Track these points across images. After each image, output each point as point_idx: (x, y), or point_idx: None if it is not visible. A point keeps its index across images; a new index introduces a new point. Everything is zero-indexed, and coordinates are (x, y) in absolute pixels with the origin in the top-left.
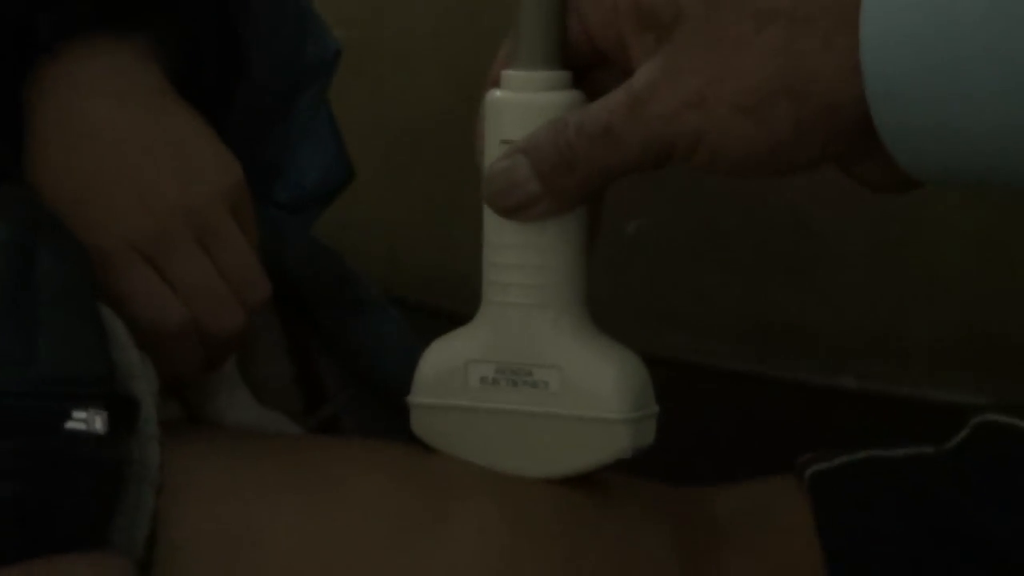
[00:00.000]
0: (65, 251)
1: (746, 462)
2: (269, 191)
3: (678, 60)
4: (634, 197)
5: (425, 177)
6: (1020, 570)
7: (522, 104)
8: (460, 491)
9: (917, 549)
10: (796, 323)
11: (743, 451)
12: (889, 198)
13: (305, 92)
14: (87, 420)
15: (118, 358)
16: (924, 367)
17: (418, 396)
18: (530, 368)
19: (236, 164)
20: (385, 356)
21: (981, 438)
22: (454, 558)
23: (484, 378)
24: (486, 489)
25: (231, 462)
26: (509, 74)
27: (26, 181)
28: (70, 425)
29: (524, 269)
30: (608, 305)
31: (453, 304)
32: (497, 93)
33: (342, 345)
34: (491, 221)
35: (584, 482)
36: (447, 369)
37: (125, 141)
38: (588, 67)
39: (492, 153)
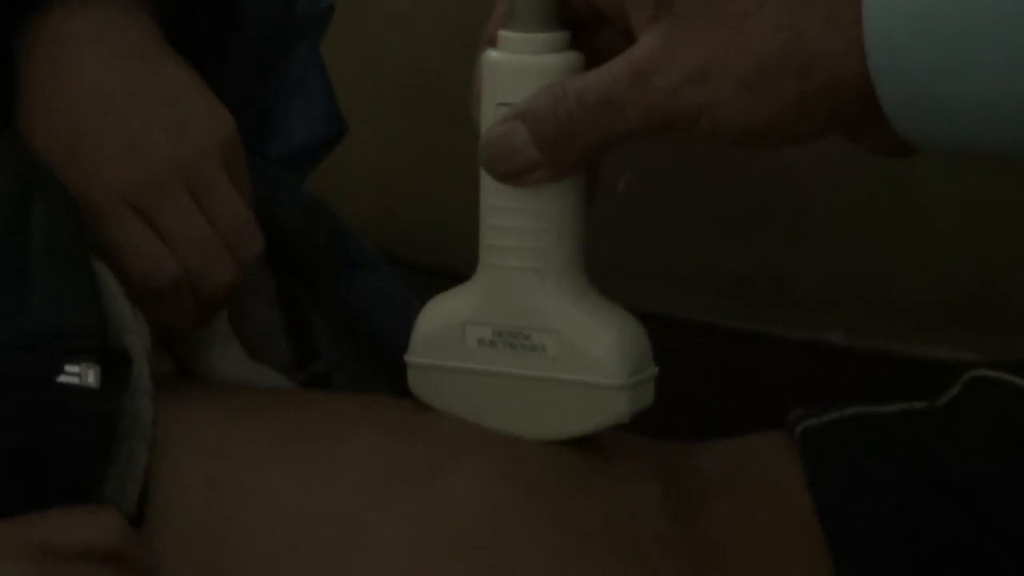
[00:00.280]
0: (57, 204)
1: (734, 418)
2: (261, 146)
3: (680, 32)
4: (622, 152)
5: (417, 133)
6: (1012, 523)
7: (519, 67)
8: (452, 446)
9: (909, 503)
10: (785, 279)
11: (731, 407)
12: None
13: (297, 46)
14: (80, 374)
15: (110, 311)
16: (913, 323)
17: (415, 355)
18: (528, 331)
19: (228, 117)
20: (376, 312)
21: (973, 393)
22: (446, 512)
23: (482, 340)
24: (478, 445)
25: (223, 416)
26: (506, 35)
27: (18, 135)
28: (62, 379)
29: (522, 232)
30: (595, 260)
31: (444, 260)
32: (493, 54)
33: (334, 300)
34: (488, 184)
35: (576, 438)
36: (444, 330)
37: (117, 94)
38: (586, 25)
39: (489, 115)
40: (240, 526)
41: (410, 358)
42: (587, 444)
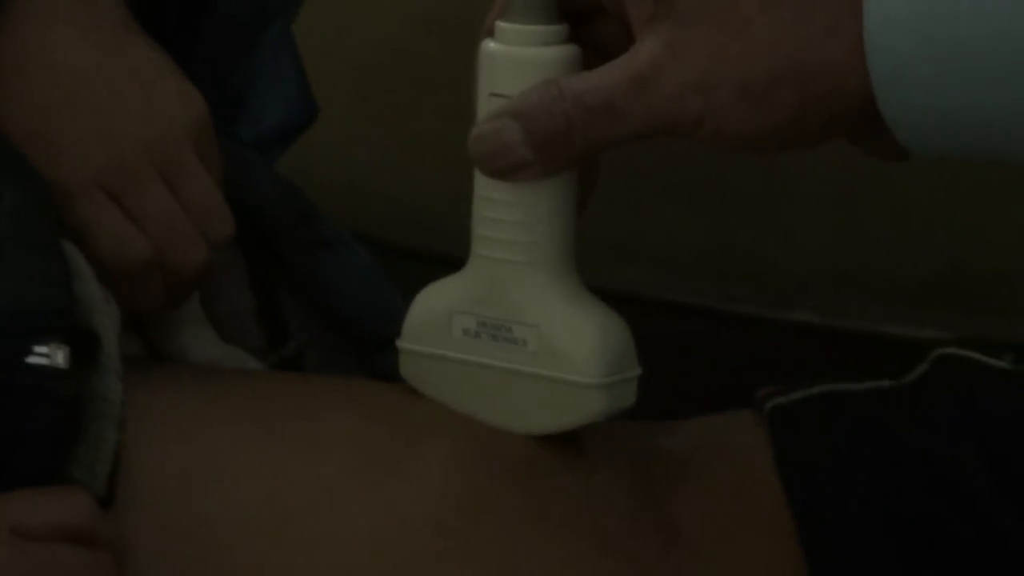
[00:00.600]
0: (27, 186)
1: (705, 397)
2: (232, 128)
3: (682, 39)
4: None
5: (388, 114)
6: (976, 499)
7: (513, 58)
8: (425, 430)
9: (875, 481)
10: (758, 258)
11: (703, 386)
12: None
13: (268, 28)
14: (49, 355)
15: (80, 293)
16: (884, 303)
17: (405, 341)
18: (511, 324)
19: (200, 98)
20: (349, 293)
21: (940, 371)
22: (419, 496)
23: (467, 330)
24: (452, 429)
25: (194, 398)
26: (502, 26)
27: None
28: (31, 359)
29: (512, 225)
30: None
31: (416, 240)
32: (491, 44)
33: (306, 282)
34: (481, 175)
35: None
36: (433, 317)
37: (87, 74)
38: (584, 16)
39: (482, 106)
40: (210, 507)
41: (400, 344)
42: None
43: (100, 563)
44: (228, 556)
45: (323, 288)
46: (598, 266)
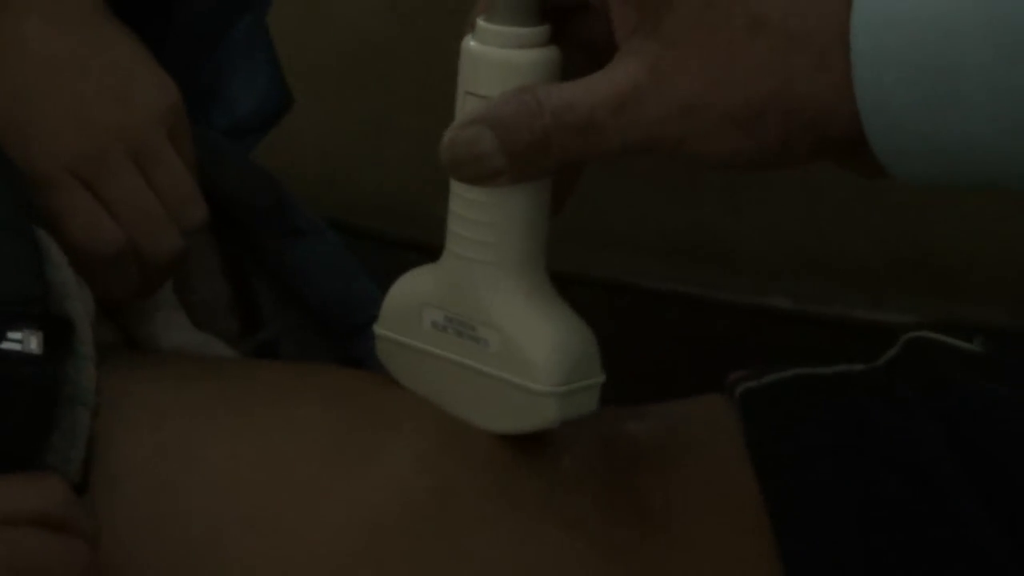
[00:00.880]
0: (0, 172)
1: (679, 383)
2: (206, 117)
3: (668, 61)
4: None
5: (361, 101)
6: (943, 483)
7: (491, 60)
8: (397, 418)
9: (844, 463)
10: (730, 243)
11: (675, 370)
12: None
13: (242, 17)
14: (22, 340)
15: (53, 279)
16: (857, 288)
17: (381, 327)
18: (475, 323)
19: (173, 86)
20: (322, 280)
21: (910, 354)
22: (390, 482)
23: (435, 323)
24: (423, 416)
25: (168, 385)
26: (483, 25)
27: None
28: (5, 345)
29: (484, 226)
30: None
31: (389, 227)
32: (470, 42)
33: (279, 269)
34: None
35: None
36: (405, 306)
37: (60, 62)
38: (567, 11)
39: (459, 103)
40: (184, 494)
41: (376, 328)
42: None
43: (75, 549)
44: (202, 541)
45: (296, 275)
46: (572, 252)
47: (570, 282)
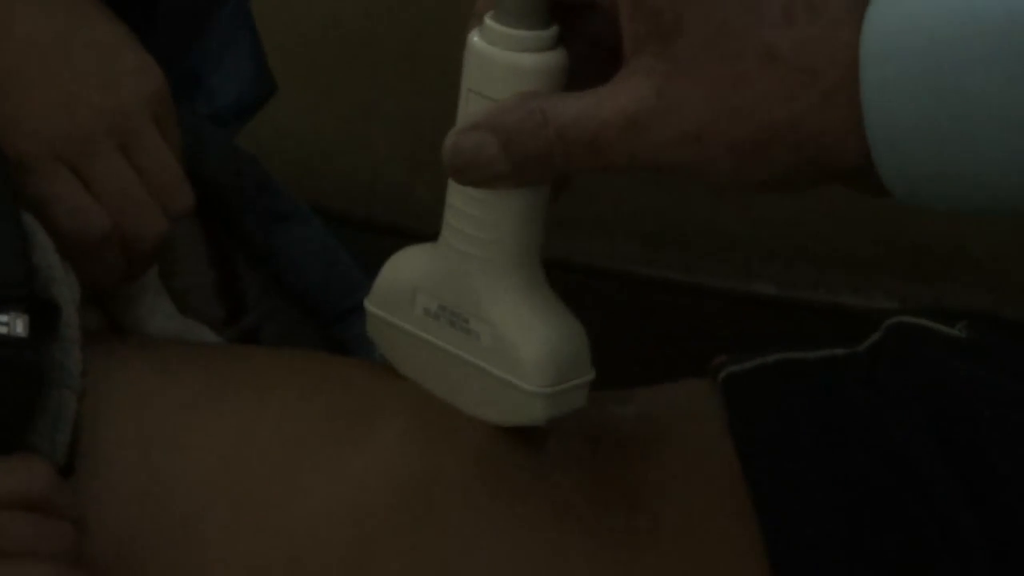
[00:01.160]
0: None
1: (664, 368)
2: (190, 101)
3: (678, 88)
4: None
5: (342, 86)
6: (923, 463)
7: (497, 62)
8: (384, 402)
9: (826, 447)
10: (716, 229)
11: (661, 355)
12: None
13: (226, 5)
14: (8, 323)
15: (39, 262)
16: (842, 274)
17: (372, 303)
18: (468, 316)
19: (159, 71)
20: (306, 264)
21: (893, 339)
22: (377, 465)
23: (427, 309)
24: (409, 401)
25: (153, 368)
26: (490, 24)
27: None
28: None
29: (480, 222)
30: None
31: (371, 212)
32: (476, 40)
33: (263, 254)
34: None
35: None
36: (398, 288)
37: (47, 46)
38: (575, 8)
39: (463, 100)
40: (169, 477)
41: (367, 305)
42: None
43: (60, 532)
44: (187, 524)
45: (281, 260)
46: (558, 237)
47: (554, 268)
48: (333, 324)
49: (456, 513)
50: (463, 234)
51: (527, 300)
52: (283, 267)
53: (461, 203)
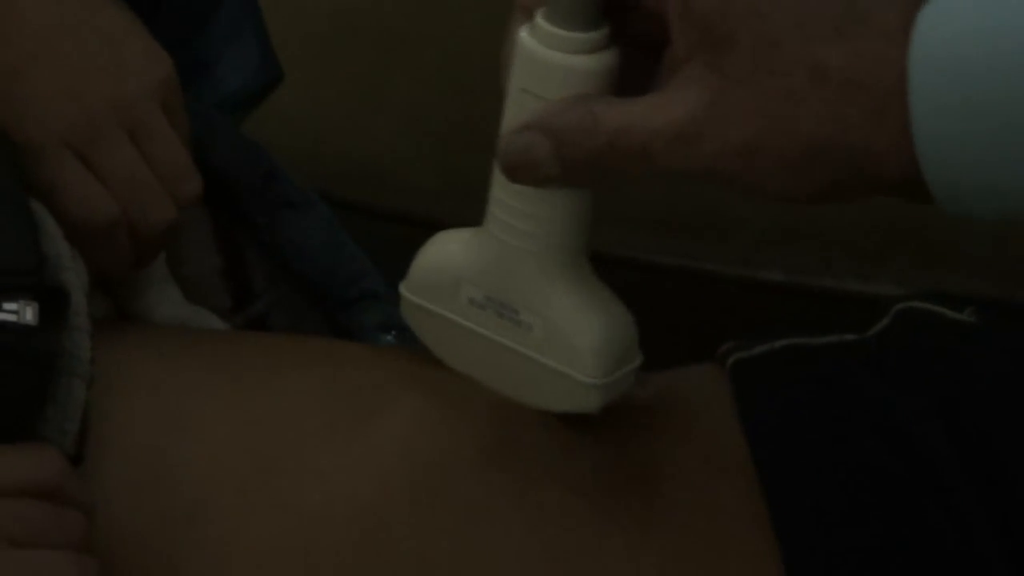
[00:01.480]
0: None
1: (671, 356)
2: (197, 92)
3: (728, 102)
4: None
5: (351, 72)
6: (931, 449)
7: (550, 63)
8: (394, 384)
9: (834, 433)
10: (720, 215)
11: (668, 342)
12: None
13: None
14: (18, 311)
15: (48, 250)
16: (848, 260)
17: (408, 290)
18: (518, 307)
19: (167, 58)
20: (314, 253)
21: (901, 325)
22: (392, 441)
23: (473, 300)
24: (420, 383)
25: (160, 355)
26: (542, 25)
27: None
28: (0, 316)
29: (529, 216)
30: None
31: (379, 199)
32: (527, 39)
33: (271, 242)
34: None
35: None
36: (440, 276)
37: (55, 33)
38: (624, 9)
39: (513, 98)
40: (178, 463)
41: (404, 291)
42: None
43: (71, 520)
44: (197, 510)
45: (288, 248)
46: None
47: None
48: (340, 311)
49: (469, 495)
50: (511, 227)
51: (579, 291)
52: (290, 255)
53: (509, 197)
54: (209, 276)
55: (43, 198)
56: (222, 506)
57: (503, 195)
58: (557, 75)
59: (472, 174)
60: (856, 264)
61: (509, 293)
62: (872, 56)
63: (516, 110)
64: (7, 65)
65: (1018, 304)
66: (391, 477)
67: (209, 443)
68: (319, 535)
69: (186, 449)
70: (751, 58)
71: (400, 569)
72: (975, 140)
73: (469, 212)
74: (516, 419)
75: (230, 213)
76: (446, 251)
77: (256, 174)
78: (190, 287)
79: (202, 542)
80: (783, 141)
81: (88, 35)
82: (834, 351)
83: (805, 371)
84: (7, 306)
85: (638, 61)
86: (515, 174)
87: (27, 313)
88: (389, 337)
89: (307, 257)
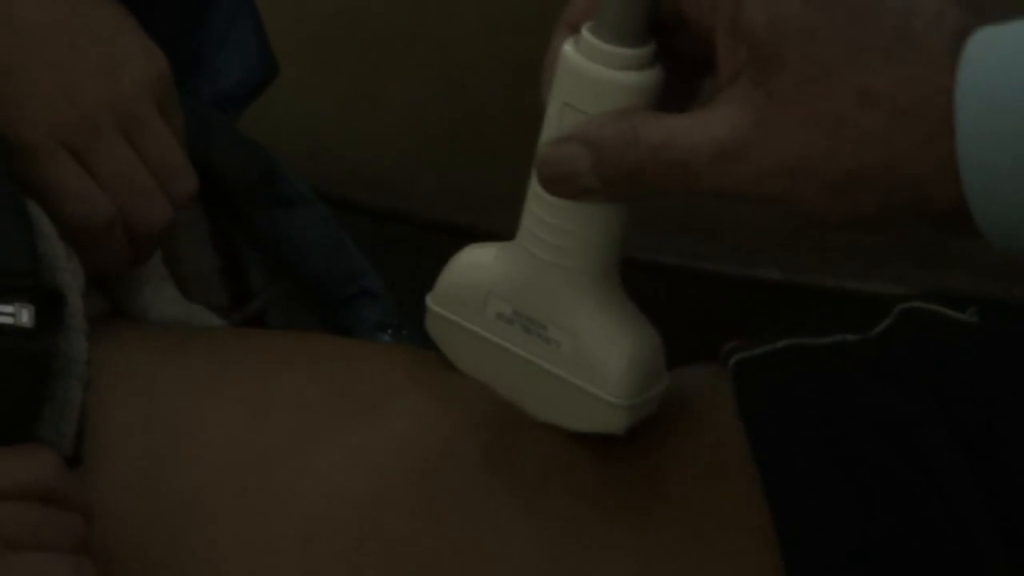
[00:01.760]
0: None
1: (670, 355)
2: (193, 88)
3: (773, 122)
4: None
5: (349, 71)
6: (934, 450)
7: (595, 78)
8: (393, 381)
9: (837, 433)
10: (721, 214)
11: (668, 341)
12: None
13: None
14: (14, 314)
15: (44, 251)
16: (848, 259)
17: (435, 303)
18: (546, 324)
19: (161, 56)
20: (311, 251)
21: (904, 325)
22: (391, 440)
23: (501, 314)
24: (420, 381)
25: (157, 354)
26: (588, 39)
27: None
28: None
29: (562, 232)
30: None
31: (375, 198)
32: (570, 53)
33: (268, 240)
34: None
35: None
36: (468, 289)
37: (49, 33)
38: (667, 27)
39: (554, 111)
40: (176, 463)
41: (431, 303)
42: None
43: (69, 522)
44: (195, 508)
45: (285, 246)
46: None
47: None
48: (337, 309)
49: (469, 493)
50: (544, 242)
51: (609, 311)
52: (288, 253)
53: (543, 211)
54: (206, 274)
55: (38, 198)
56: (220, 506)
57: (538, 209)
58: (601, 90)
59: (471, 175)
60: (856, 264)
61: (538, 309)
62: (920, 82)
63: (557, 123)
64: (2, 65)
65: (1020, 304)
66: (390, 477)
67: (207, 442)
68: (318, 534)
69: (184, 449)
70: (799, 79)
71: (398, 569)
72: (1021, 175)
73: (469, 212)
74: (516, 420)
75: (227, 211)
76: (476, 264)
77: (253, 172)
78: (187, 285)
79: (200, 542)
80: (827, 164)
81: (82, 34)
82: (836, 351)
83: (807, 371)
84: (3, 308)
85: (679, 81)
86: (553, 186)
87: (23, 315)
88: (386, 336)
89: (305, 255)
